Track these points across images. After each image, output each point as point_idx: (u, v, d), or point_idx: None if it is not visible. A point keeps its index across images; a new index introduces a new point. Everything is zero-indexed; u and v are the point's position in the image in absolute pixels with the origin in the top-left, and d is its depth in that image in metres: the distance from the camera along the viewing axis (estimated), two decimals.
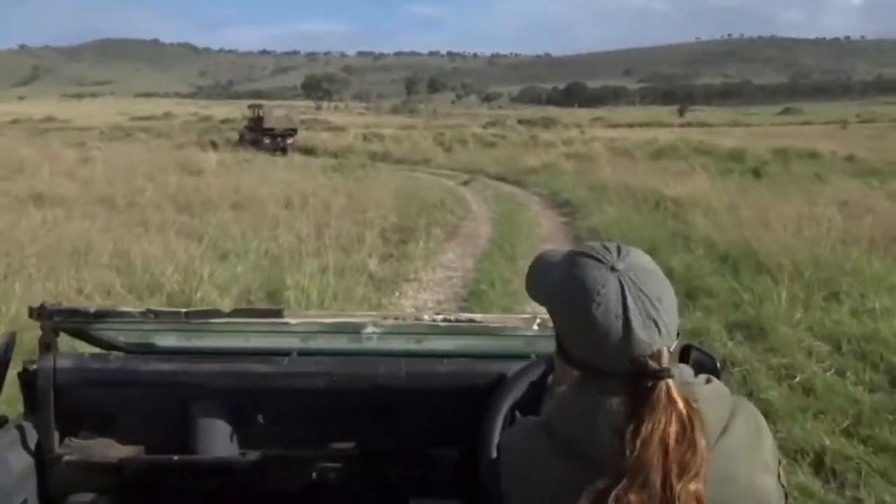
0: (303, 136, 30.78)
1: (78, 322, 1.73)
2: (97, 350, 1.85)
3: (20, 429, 1.65)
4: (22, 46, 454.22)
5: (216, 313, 1.77)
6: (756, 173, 17.17)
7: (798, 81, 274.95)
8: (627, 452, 0.91)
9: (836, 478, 3.30)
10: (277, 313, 1.79)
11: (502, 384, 1.54)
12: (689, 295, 6.31)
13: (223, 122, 47.27)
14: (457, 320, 1.81)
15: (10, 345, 1.64)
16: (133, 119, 56.05)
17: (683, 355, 1.37)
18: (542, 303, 1.10)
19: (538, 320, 1.71)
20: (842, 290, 6.09)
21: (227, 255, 7.47)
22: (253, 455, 1.70)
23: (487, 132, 36.75)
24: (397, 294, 7.01)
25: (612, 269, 1.00)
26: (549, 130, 38.68)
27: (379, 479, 1.68)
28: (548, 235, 10.79)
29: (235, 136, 30.50)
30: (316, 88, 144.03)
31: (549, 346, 1.13)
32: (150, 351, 1.84)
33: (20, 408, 1.74)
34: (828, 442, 3.52)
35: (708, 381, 1.03)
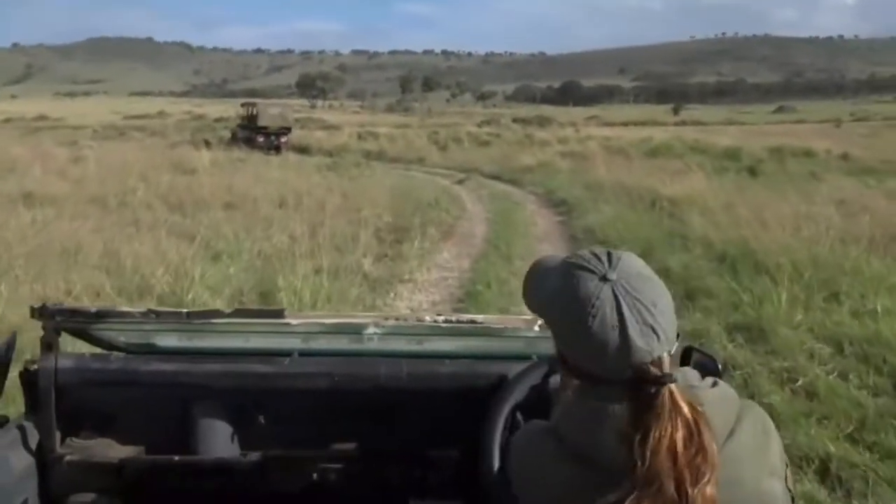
0: (297, 134, 30.66)
1: (79, 322, 1.73)
2: (98, 350, 1.85)
3: (21, 429, 1.65)
4: (15, 45, 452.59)
5: (217, 314, 1.77)
6: (752, 172, 17.16)
7: (792, 80, 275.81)
8: (638, 463, 0.90)
9: (843, 486, 3.22)
10: (278, 314, 1.78)
11: (503, 385, 1.53)
12: (687, 296, 6.23)
13: (217, 120, 47.05)
14: (458, 321, 1.80)
15: (11, 345, 1.65)
16: (126, 118, 55.66)
17: (684, 358, 1.35)
18: (538, 314, 1.11)
19: (539, 322, 1.69)
20: (842, 291, 6.03)
21: (219, 256, 7.38)
22: (254, 455, 1.70)
23: (482, 131, 36.68)
24: (392, 295, 6.92)
25: (605, 278, 0.99)
26: (544, 129, 38.65)
27: (379, 480, 1.68)
28: (544, 235, 10.72)
29: (228, 134, 30.30)
30: (310, 87, 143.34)
31: (551, 348, 1.12)
32: (151, 351, 1.84)
33: (22, 407, 1.74)
34: (833, 448, 3.44)
35: (715, 384, 1.03)
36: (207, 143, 25.51)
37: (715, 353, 1.45)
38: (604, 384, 0.98)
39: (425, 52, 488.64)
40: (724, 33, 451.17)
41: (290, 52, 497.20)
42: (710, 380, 1.04)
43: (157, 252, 7.05)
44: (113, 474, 1.67)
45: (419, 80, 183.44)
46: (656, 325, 0.97)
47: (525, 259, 8.48)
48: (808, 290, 5.99)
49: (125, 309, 1.82)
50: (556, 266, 1.07)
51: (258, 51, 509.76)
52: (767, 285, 6.16)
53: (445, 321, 1.79)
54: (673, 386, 0.94)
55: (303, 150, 27.55)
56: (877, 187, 13.47)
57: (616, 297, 0.97)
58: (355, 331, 1.81)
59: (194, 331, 1.83)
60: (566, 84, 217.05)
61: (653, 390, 0.93)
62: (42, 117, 53.63)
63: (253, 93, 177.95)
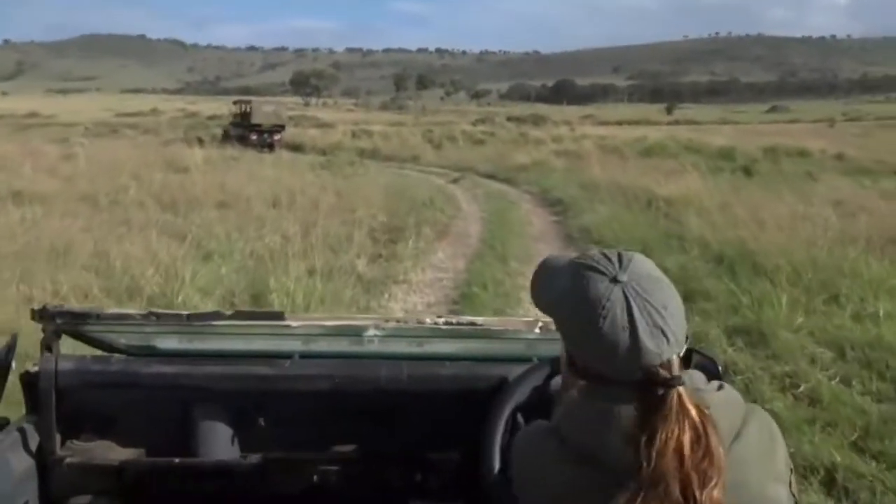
0: (291, 132, 30.51)
1: (79, 324, 1.73)
2: (99, 352, 1.85)
3: (21, 431, 1.65)
4: (6, 41, 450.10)
5: (218, 316, 1.76)
6: (747, 171, 17.09)
7: (785, 79, 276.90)
8: (644, 464, 0.90)
9: (849, 496, 3.15)
10: (279, 316, 1.78)
11: (504, 387, 1.53)
12: (685, 298, 5.99)
13: (210, 118, 46.72)
14: (458, 323, 1.80)
15: (11, 347, 1.63)
16: (119, 115, 55.30)
17: (685, 360, 1.29)
18: (547, 314, 1.10)
19: (540, 324, 1.71)
20: (841, 293, 5.96)
21: (210, 256, 7.26)
22: (254, 458, 1.71)
23: (477, 129, 36.56)
24: (386, 296, 6.82)
25: (615, 280, 0.99)
26: (538, 128, 38.51)
27: (380, 482, 1.69)
28: (539, 235, 10.64)
29: (221, 132, 30.10)
30: (304, 85, 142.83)
31: (551, 350, 1.14)
32: (152, 353, 1.85)
33: (22, 410, 1.73)
34: (838, 458, 3.36)
35: (720, 387, 1.02)
36: (200, 141, 25.26)
37: (715, 355, 1.44)
38: (612, 385, 0.98)
39: (420, 51, 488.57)
40: (717, 33, 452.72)
41: (283, 49, 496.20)
42: (715, 383, 1.03)
43: (148, 252, 6.92)
44: (113, 476, 1.67)
45: (413, 78, 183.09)
46: (666, 328, 0.96)
47: (520, 259, 8.40)
48: (808, 292, 5.93)
49: (125, 311, 1.83)
50: (566, 266, 1.07)
51: (252, 48, 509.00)
52: (766, 287, 6.09)
53: (446, 323, 1.78)
54: (681, 388, 0.94)
55: (296, 148, 27.39)
56: (872, 188, 13.44)
57: (627, 298, 0.97)
58: (356, 333, 1.81)
59: (195, 333, 1.84)
60: (560, 83, 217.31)
61: (661, 392, 0.94)
62: (33, 114, 53.25)
63: (246, 90, 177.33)
